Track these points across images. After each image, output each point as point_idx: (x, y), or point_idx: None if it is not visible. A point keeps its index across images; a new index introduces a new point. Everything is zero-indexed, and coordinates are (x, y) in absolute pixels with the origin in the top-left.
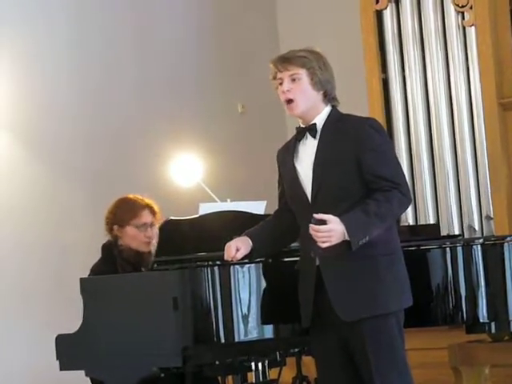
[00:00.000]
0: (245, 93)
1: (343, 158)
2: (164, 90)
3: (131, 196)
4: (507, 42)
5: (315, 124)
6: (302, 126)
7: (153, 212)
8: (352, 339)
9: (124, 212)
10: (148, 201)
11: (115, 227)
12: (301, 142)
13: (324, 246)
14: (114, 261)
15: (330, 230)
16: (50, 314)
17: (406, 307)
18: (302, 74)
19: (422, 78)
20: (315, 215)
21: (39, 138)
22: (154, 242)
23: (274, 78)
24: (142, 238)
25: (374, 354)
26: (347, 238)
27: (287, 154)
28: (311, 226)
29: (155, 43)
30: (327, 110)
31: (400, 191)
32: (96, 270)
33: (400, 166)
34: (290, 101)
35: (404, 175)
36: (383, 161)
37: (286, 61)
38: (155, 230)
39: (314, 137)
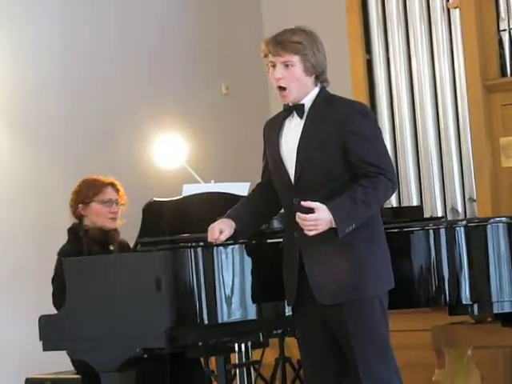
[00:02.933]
0: (228, 74)
1: (328, 142)
2: (147, 71)
3: (94, 176)
4: (492, 25)
5: (303, 105)
6: (290, 104)
7: (116, 189)
8: (334, 321)
9: (87, 189)
10: (111, 179)
11: (80, 206)
12: (287, 120)
13: (311, 233)
14: (80, 242)
15: (318, 219)
16: (34, 295)
17: (388, 290)
18: (296, 61)
19: (406, 60)
20: (303, 203)
21: (21, 122)
22: (119, 220)
23: (266, 57)
24: (107, 213)
25: (355, 336)
26: (334, 225)
27: (273, 131)
28: (298, 214)
29: (137, 25)
30: (316, 90)
31: (386, 177)
32: (62, 253)
33: (387, 151)
34: (282, 88)
35: (390, 160)
36: (370, 146)
37: (279, 46)
38: (120, 208)
39: (301, 117)
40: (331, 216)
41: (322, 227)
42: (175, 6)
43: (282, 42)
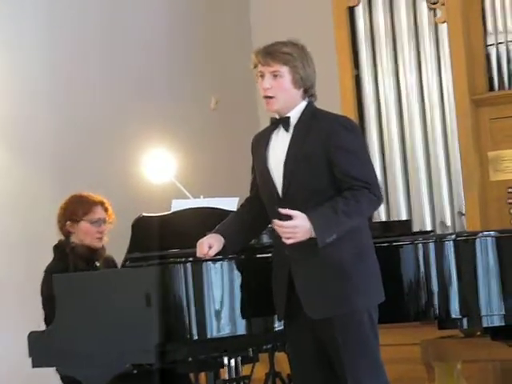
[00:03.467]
0: (217, 89)
1: (314, 156)
2: (136, 85)
3: (83, 193)
4: (479, 39)
5: (289, 118)
6: (277, 117)
7: (105, 209)
8: (324, 336)
9: (77, 207)
10: (100, 198)
11: (68, 223)
12: (274, 134)
13: (288, 242)
14: (66, 259)
15: (295, 226)
16: (20, 307)
17: (377, 304)
18: (284, 71)
19: (394, 75)
20: (281, 210)
21: (10, 129)
22: (105, 238)
23: (255, 67)
24: (95, 233)
25: (345, 350)
26: (314, 235)
27: (261, 144)
28: (275, 221)
29: (126, 39)
30: (303, 104)
31: (370, 191)
32: (49, 271)
33: (372, 166)
34: (269, 97)
35: (375, 175)
36: (354, 160)
37: (268, 56)
38: (108, 227)
39: (287, 130)
40: (310, 224)
41: (301, 235)
42: (164, 19)
43: (272, 53)
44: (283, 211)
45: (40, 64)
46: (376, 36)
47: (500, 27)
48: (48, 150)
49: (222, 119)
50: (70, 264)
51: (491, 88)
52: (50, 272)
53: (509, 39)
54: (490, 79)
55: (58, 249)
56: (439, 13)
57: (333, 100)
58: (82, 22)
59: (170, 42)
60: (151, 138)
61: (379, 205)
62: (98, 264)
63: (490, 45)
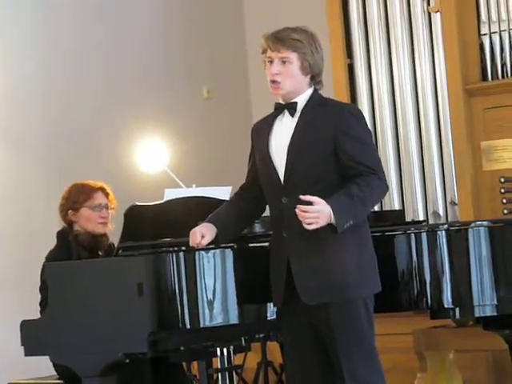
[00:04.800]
0: (210, 78)
1: (320, 142)
2: (129, 75)
3: (84, 181)
4: (472, 29)
5: (296, 103)
6: (282, 102)
7: (106, 194)
8: (320, 323)
9: (77, 195)
10: (100, 183)
11: (70, 212)
12: (277, 119)
13: (311, 227)
14: (69, 247)
15: (319, 211)
16: (18, 301)
17: (374, 293)
18: (293, 58)
19: (387, 64)
20: (302, 197)
21: (6, 127)
22: (110, 225)
23: (264, 52)
24: (97, 218)
25: (340, 338)
26: (333, 220)
27: (263, 129)
28: (299, 206)
29: (121, 28)
30: (309, 91)
31: (378, 177)
32: (50, 258)
33: (377, 154)
34: (276, 82)
35: (381, 163)
36: (362, 147)
37: (278, 41)
38: (110, 212)
39: (293, 115)
40: (331, 210)
41: (323, 221)
42: (159, 10)
43: (282, 38)
44: (304, 197)
45: (36, 57)
46: (369, 25)
47: (493, 17)
48: (42, 142)
49: (215, 108)
50: (74, 253)
51: (484, 78)
52: (51, 258)
53: (502, 29)
54: (484, 69)
55: (61, 236)
56: (432, 2)
57: (326, 89)
58: (77, 19)
59: (164, 32)
60: (144, 127)
61: (387, 191)
62: (100, 253)
63: (484, 34)
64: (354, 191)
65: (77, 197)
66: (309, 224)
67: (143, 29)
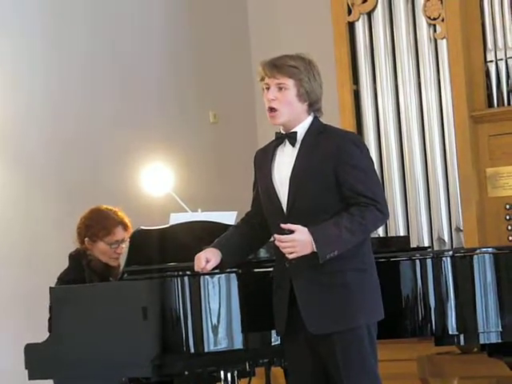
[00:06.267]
0: (216, 102)
1: (321, 172)
2: (135, 99)
3: (105, 209)
4: (479, 55)
5: (296, 132)
6: (283, 132)
7: (125, 228)
8: (324, 351)
9: (98, 228)
10: (121, 216)
11: (86, 240)
12: (279, 149)
13: (290, 256)
14: (82, 270)
15: (293, 240)
16: (25, 324)
17: (377, 321)
18: (290, 84)
19: (393, 90)
20: (282, 225)
21: (14, 149)
22: (122, 256)
23: (262, 80)
24: (112, 254)
25: (344, 366)
26: (315, 249)
27: (265, 159)
28: (275, 235)
29: (126, 50)
30: (309, 119)
31: (377, 208)
32: (64, 279)
33: (379, 183)
34: (273, 109)
35: (383, 192)
36: (362, 177)
37: (274, 68)
38: (125, 244)
39: (293, 145)
40: (311, 239)
41: (301, 249)
42: (163, 33)
43: (278, 65)
44: (285, 226)
45: (46, 77)
46: (376, 51)
47: (500, 43)
48: (51, 167)
49: (221, 133)
50: (87, 278)
51: (490, 104)
52: (63, 280)
53: (508, 56)
54: (489, 96)
55: (74, 258)
56: (439, 28)
57: (332, 115)
58: (88, 36)
59: (169, 55)
60: (150, 151)
61: (385, 221)
62: (111, 280)
63: (490, 61)
64: (343, 221)
65: (97, 231)
66: (288, 253)
67: (148, 52)
